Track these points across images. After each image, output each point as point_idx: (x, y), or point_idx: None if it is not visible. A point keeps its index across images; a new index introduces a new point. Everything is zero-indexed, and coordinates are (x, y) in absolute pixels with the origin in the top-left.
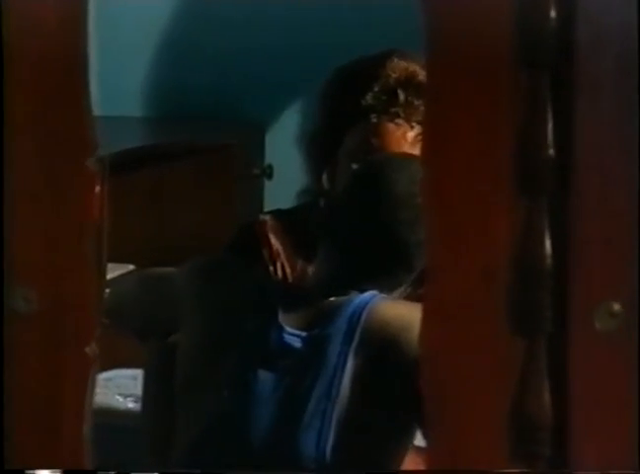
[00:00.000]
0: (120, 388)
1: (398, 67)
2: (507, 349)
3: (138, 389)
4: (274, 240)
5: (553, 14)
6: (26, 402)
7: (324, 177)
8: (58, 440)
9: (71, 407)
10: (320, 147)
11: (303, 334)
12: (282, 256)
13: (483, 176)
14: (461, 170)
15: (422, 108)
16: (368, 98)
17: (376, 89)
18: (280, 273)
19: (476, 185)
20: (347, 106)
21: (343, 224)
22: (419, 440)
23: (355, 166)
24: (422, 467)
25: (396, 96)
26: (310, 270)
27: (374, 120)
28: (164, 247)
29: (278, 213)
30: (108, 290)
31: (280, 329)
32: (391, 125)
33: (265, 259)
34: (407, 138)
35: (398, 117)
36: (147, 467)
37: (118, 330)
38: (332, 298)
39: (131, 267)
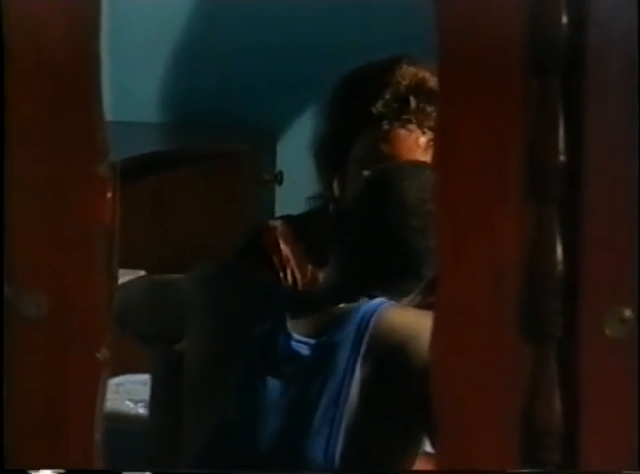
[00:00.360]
0: (130, 394)
1: (407, 74)
2: (516, 354)
3: (149, 395)
4: (283, 246)
5: (564, 19)
6: (35, 407)
7: (334, 183)
8: (67, 446)
9: (81, 412)
10: (330, 154)
11: (311, 341)
12: (292, 262)
13: (493, 182)
14: (471, 176)
15: (433, 113)
16: (379, 105)
17: (387, 96)
18: (290, 279)
19: (486, 190)
20: (357, 113)
21: (353, 231)
22: (428, 447)
23: (366, 173)
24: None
25: (407, 103)
26: (321, 276)
27: (386, 128)
28: (174, 252)
29: (287, 219)
30: (115, 296)
31: (289, 336)
32: (403, 132)
33: (274, 265)
34: (419, 144)
35: (410, 123)
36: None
37: (124, 335)
38: (340, 305)
39: (142, 272)
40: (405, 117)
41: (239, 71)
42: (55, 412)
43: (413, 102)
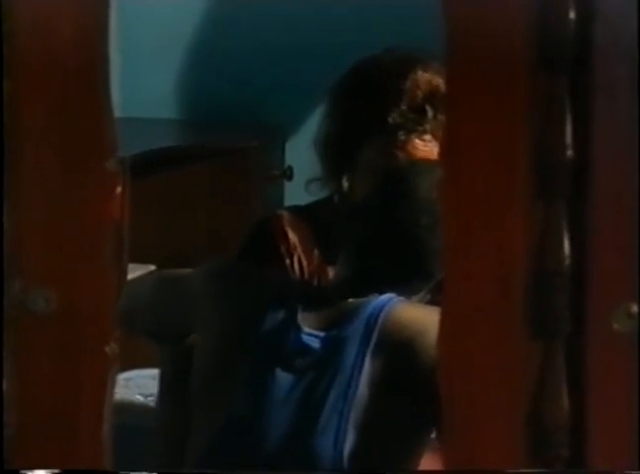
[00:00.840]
0: (140, 388)
1: (422, 81)
2: (524, 351)
3: (158, 391)
4: (291, 234)
5: (572, 15)
6: (44, 402)
7: (344, 180)
8: (76, 442)
9: (91, 407)
10: (340, 154)
11: (321, 334)
12: (299, 249)
13: (500, 179)
14: (478, 173)
15: None
16: (396, 116)
17: (403, 106)
18: (296, 266)
19: (493, 189)
20: (370, 118)
21: (364, 227)
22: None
23: (378, 171)
24: (440, 467)
25: (424, 113)
26: (328, 265)
27: (402, 138)
28: (183, 248)
29: (294, 208)
30: (123, 294)
31: (298, 329)
32: (419, 142)
33: (281, 252)
34: (434, 155)
35: (425, 133)
36: (164, 468)
37: (133, 333)
38: (350, 300)
39: (152, 267)
40: (421, 128)
41: (248, 68)
42: (64, 407)
43: (429, 112)
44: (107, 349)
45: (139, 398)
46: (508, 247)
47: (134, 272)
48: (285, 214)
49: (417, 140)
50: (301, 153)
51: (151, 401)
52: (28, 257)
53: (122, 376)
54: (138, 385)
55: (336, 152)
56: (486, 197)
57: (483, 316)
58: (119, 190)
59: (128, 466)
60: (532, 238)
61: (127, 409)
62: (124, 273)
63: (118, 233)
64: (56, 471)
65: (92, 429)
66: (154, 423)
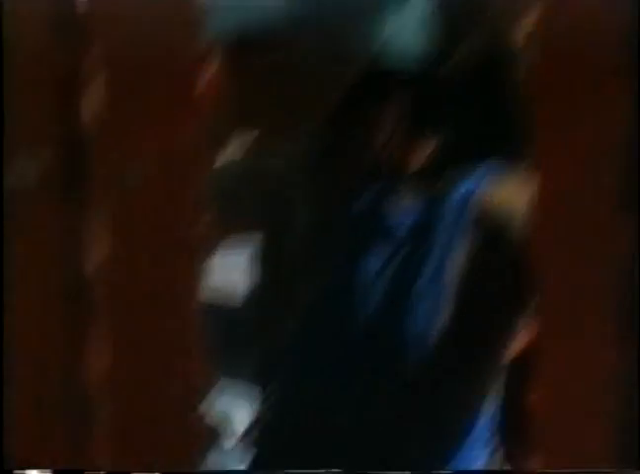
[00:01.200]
0: (228, 270)
1: None
2: (616, 232)
3: (247, 271)
4: (385, 101)
5: None
6: (139, 280)
7: (447, 63)
8: (171, 321)
9: (184, 285)
10: (445, 41)
11: (411, 218)
12: (393, 118)
13: (597, 63)
14: (573, 65)
15: None
16: (497, 6)
17: None
18: (389, 138)
19: (588, 74)
20: (474, 9)
21: (463, 105)
22: None
23: (480, 56)
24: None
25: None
26: (422, 140)
27: (503, 26)
28: (284, 118)
29: (389, 75)
30: (214, 183)
31: (388, 213)
32: (520, 30)
33: (374, 121)
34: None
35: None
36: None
37: (223, 221)
38: (442, 182)
39: (254, 133)
40: (522, 17)
41: None
42: (157, 282)
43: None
44: (195, 231)
45: (227, 280)
46: (603, 130)
47: (239, 138)
48: (381, 82)
49: (518, 28)
50: (400, 32)
51: (239, 283)
52: (119, 131)
53: (212, 259)
54: (226, 267)
55: (442, 39)
56: (582, 82)
57: (576, 194)
58: (214, 65)
59: (220, 343)
60: (626, 122)
61: (216, 291)
62: (218, 150)
63: (211, 111)
64: (56, 470)
65: (185, 309)
66: (242, 305)
